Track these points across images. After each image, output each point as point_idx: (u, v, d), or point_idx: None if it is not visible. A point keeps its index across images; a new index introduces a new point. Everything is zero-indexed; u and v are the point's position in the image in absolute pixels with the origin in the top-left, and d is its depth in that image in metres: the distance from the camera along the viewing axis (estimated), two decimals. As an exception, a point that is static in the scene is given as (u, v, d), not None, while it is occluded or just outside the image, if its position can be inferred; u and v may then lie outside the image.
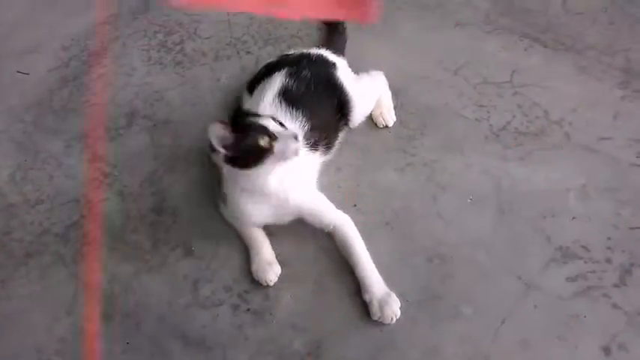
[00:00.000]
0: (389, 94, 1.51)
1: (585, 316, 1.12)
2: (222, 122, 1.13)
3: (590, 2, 1.73)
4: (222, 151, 1.13)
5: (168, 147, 1.47)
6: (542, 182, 1.32)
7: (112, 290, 1.21)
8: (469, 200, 1.29)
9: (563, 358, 1.08)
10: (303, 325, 1.15)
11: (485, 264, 1.20)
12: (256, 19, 1.75)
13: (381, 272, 1.19)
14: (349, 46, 1.54)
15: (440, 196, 1.30)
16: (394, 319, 1.13)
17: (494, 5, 1.73)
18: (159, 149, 1.46)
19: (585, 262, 1.19)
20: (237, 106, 1.44)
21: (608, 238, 1.22)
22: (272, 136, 1.13)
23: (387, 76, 1.50)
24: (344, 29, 1.56)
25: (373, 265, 1.19)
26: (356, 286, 1.18)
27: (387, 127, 1.45)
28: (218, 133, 1.13)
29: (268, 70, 1.41)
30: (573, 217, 1.26)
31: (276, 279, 1.21)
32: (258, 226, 1.28)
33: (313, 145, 1.31)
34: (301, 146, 1.20)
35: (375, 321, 1.13)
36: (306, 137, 1.29)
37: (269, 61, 1.47)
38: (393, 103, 1.48)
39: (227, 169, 1.19)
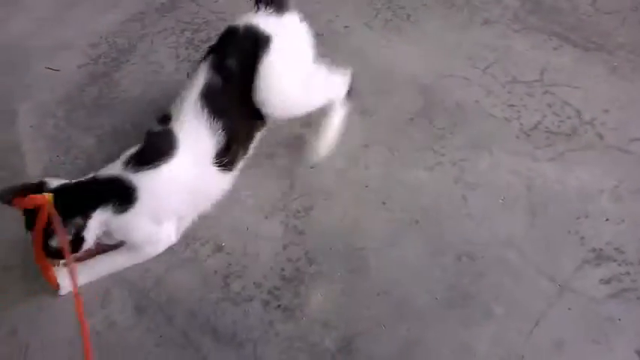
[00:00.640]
0: (340, 116, 1.31)
1: (620, 319, 1.10)
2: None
3: (620, 1, 1.71)
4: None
5: (196, 144, 1.49)
6: (574, 183, 1.30)
7: (145, 284, 1.22)
8: (500, 200, 1.28)
9: (598, 361, 1.07)
10: (333, 322, 1.15)
11: (517, 264, 1.19)
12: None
13: (408, 269, 1.20)
14: (374, 42, 1.53)
15: (470, 195, 1.30)
16: None
17: (522, 3, 1.71)
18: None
19: (619, 265, 1.17)
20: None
21: (643, 240, 1.20)
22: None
23: (416, 74, 1.50)
24: None
25: None
26: (385, 285, 1.19)
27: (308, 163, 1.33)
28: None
29: (207, 53, 1.26)
30: (606, 219, 1.24)
31: None
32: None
33: (226, 165, 1.21)
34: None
35: (406, 319, 1.14)
36: (219, 156, 1.19)
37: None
38: (420, 101, 1.48)
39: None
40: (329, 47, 1.64)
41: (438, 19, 1.69)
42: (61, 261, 1.18)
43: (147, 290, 1.22)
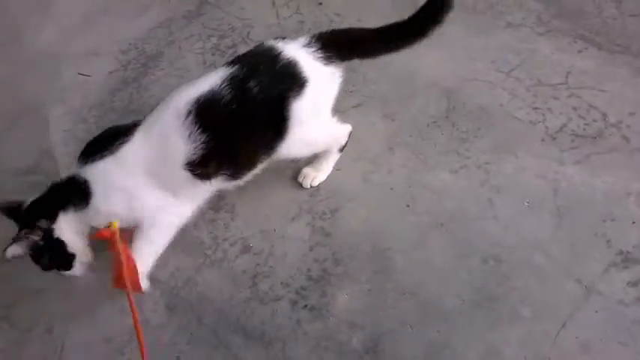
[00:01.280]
0: (337, 157, 1.34)
1: (648, 323, 1.11)
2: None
3: (646, 3, 1.71)
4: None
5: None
6: (600, 186, 1.30)
7: (176, 283, 1.26)
8: (526, 204, 1.28)
9: (626, 364, 1.07)
10: (360, 322, 1.17)
11: (544, 267, 1.19)
12: (306, 22, 1.79)
13: (434, 271, 1.21)
14: (400, 52, 1.55)
15: (495, 198, 1.30)
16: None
17: (546, 7, 1.71)
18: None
19: (647, 268, 1.18)
20: None
21: (671, 244, 1.20)
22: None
23: (439, 77, 1.51)
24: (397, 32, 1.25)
25: None
26: (411, 286, 1.21)
27: (303, 186, 1.34)
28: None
29: (231, 62, 1.17)
30: (633, 222, 1.24)
31: None
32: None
33: (201, 176, 1.15)
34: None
35: (432, 321, 1.15)
36: (192, 165, 1.12)
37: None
38: (444, 105, 1.49)
39: None
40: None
41: (461, 23, 1.69)
42: None
43: (178, 289, 1.25)
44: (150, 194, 1.18)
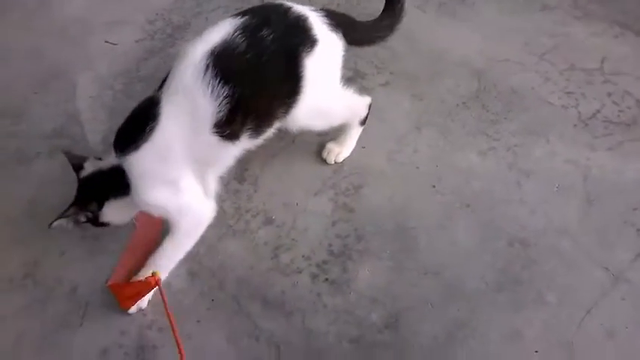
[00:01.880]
0: (359, 131, 1.32)
1: (676, 312, 1.09)
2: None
3: (686, -11, 1.65)
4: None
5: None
6: (632, 174, 1.27)
7: (198, 250, 1.26)
8: (555, 188, 1.26)
9: (652, 351, 1.05)
10: (380, 298, 1.16)
11: (571, 253, 1.17)
12: (335, 1, 1.76)
13: (458, 252, 1.20)
14: (427, 25, 1.52)
15: (524, 182, 1.28)
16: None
17: (584, -10, 1.67)
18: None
19: (678, 258, 1.15)
20: None
21: None
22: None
23: (470, 58, 1.48)
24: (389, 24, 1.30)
25: None
26: (434, 266, 1.20)
27: (327, 162, 1.32)
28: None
29: (239, 14, 1.11)
30: (665, 211, 1.22)
31: None
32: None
33: (229, 136, 1.10)
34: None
35: (454, 300, 1.14)
36: (219, 125, 1.07)
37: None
38: (474, 85, 1.46)
39: None
40: (381, 29, 1.66)
41: (494, 2, 1.66)
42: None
43: (200, 256, 1.25)
44: (188, 181, 1.14)
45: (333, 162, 1.36)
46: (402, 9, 1.32)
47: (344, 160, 1.37)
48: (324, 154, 1.37)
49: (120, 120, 1.54)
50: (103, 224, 1.20)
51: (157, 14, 1.83)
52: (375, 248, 1.24)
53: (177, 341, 1.03)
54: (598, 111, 1.38)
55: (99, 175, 1.16)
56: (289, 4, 1.15)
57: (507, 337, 1.09)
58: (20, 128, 1.57)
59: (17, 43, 1.78)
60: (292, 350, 1.11)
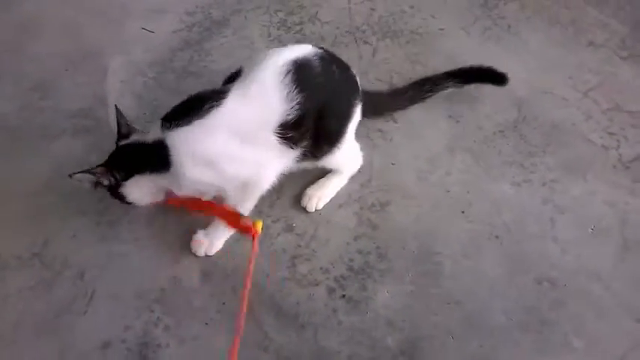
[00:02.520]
0: (344, 182, 1.32)
1: None
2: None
3: None
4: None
5: (278, 122, 1.49)
6: (673, 224, 1.22)
7: (214, 251, 1.23)
8: (590, 230, 1.21)
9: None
10: (398, 323, 1.11)
11: (602, 299, 1.12)
12: (377, 10, 1.73)
13: (484, 284, 1.15)
14: (470, 48, 1.50)
15: (558, 219, 1.23)
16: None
17: (632, 31, 1.62)
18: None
19: None
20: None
21: None
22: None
23: (511, 86, 1.43)
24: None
25: None
26: (457, 295, 1.14)
27: (307, 210, 1.28)
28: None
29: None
30: None
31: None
32: None
33: (289, 140, 1.13)
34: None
35: (476, 334, 1.09)
36: (284, 126, 1.11)
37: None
38: (514, 114, 1.42)
39: None
40: (422, 46, 1.62)
41: (541, 33, 1.62)
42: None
43: (215, 257, 1.21)
44: (238, 159, 1.13)
45: (314, 209, 1.28)
46: (429, 93, 1.40)
47: (373, 174, 1.34)
48: (304, 202, 1.29)
49: (148, 108, 1.55)
50: (121, 197, 1.17)
51: (197, 7, 1.81)
52: (397, 269, 1.19)
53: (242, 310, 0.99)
54: (640, 155, 1.34)
55: (137, 146, 1.16)
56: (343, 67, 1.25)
57: (529, 380, 1.04)
58: (47, 104, 1.55)
59: (54, 16, 1.76)
60: (302, 366, 1.07)
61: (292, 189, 1.33)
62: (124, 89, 1.58)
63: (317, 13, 1.78)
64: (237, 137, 1.11)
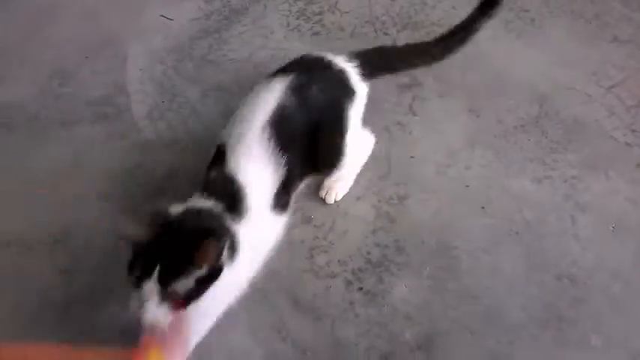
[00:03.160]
0: (361, 164, 1.26)
1: None
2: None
3: None
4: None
5: (296, 113, 1.48)
6: (696, 224, 1.21)
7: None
8: (611, 227, 1.20)
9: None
10: (416, 317, 1.11)
11: (622, 297, 1.11)
12: (398, 1, 1.71)
13: (503, 280, 1.15)
14: (491, 41, 1.47)
15: (578, 216, 1.22)
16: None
17: (659, 26, 1.60)
18: (287, 114, 1.48)
19: None
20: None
21: None
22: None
23: (533, 80, 1.43)
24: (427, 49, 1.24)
25: None
26: (475, 290, 1.14)
27: (326, 202, 1.24)
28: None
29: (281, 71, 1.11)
30: None
31: None
32: None
33: (282, 207, 1.06)
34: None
35: (493, 330, 1.09)
36: (278, 195, 1.03)
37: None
38: (535, 109, 1.40)
39: None
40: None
41: (564, 27, 1.59)
42: None
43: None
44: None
45: (333, 201, 1.26)
46: (462, 41, 1.26)
47: (392, 167, 1.33)
48: (323, 194, 1.26)
49: (167, 96, 1.55)
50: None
51: (213, -5, 1.81)
52: (415, 263, 1.19)
53: None
54: (664, 153, 1.32)
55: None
56: (329, 57, 1.15)
57: (547, 377, 1.04)
58: (67, 91, 1.56)
59: (73, 3, 1.76)
60: (319, 357, 1.07)
61: (311, 179, 1.33)
62: (144, 77, 1.58)
63: (337, 2, 1.76)
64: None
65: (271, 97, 1.04)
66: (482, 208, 1.25)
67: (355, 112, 1.15)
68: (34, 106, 1.53)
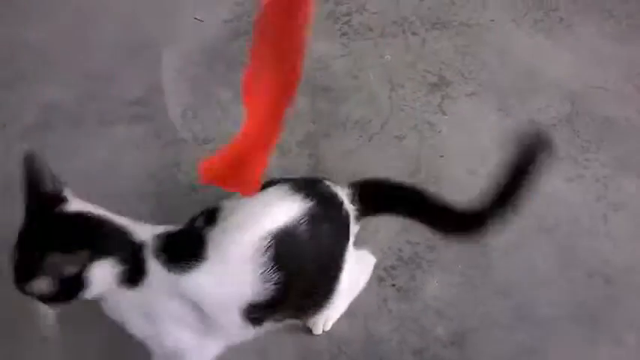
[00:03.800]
0: (355, 294, 1.10)
1: None
2: None
3: None
4: None
5: (326, 114, 1.50)
6: None
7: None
8: (645, 227, 1.21)
9: None
10: (448, 313, 1.14)
11: (655, 296, 1.12)
12: (426, 1, 1.72)
13: (534, 276, 1.16)
14: (521, 40, 1.47)
15: (611, 215, 1.23)
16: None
17: (692, 24, 1.59)
18: (317, 114, 1.49)
19: None
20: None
21: None
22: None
23: (564, 80, 1.43)
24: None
25: None
26: (506, 286, 1.16)
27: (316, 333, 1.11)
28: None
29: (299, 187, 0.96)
30: None
31: None
32: None
33: (253, 320, 0.93)
34: None
35: (524, 325, 1.10)
36: (252, 307, 0.90)
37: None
38: (567, 108, 1.41)
39: None
40: (471, 38, 1.61)
41: (594, 27, 1.59)
42: None
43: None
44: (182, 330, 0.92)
45: (321, 332, 1.11)
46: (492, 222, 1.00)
47: (421, 166, 1.35)
48: (310, 323, 1.11)
49: (201, 97, 1.60)
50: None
51: (243, -6, 1.85)
52: (446, 260, 1.21)
53: None
54: (698, 153, 1.31)
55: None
56: (339, 193, 1.01)
57: (580, 372, 1.05)
58: (104, 92, 1.60)
59: (110, 6, 1.82)
60: (353, 351, 1.10)
61: (342, 178, 1.30)
62: (178, 78, 1.62)
63: (365, 3, 1.78)
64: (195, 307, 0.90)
65: (283, 213, 0.92)
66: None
67: (351, 255, 1.01)
68: (73, 107, 1.58)
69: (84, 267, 0.82)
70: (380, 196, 1.05)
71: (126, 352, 1.06)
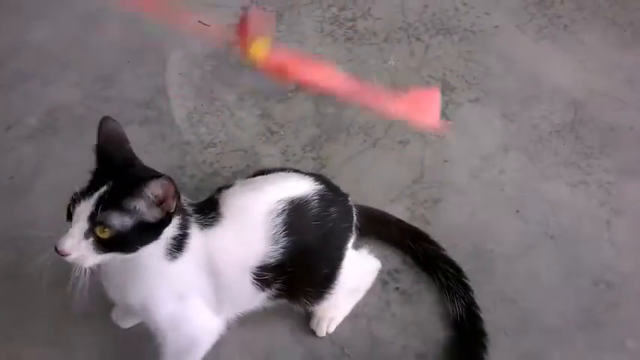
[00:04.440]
0: (358, 298, 1.15)
1: None
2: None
3: None
4: None
5: (331, 117, 1.51)
6: None
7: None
8: (648, 233, 1.21)
9: None
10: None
11: (659, 303, 1.12)
12: (430, 7, 1.74)
13: (538, 283, 1.16)
14: (525, 46, 1.48)
15: (614, 222, 1.23)
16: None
17: (695, 32, 1.60)
18: (322, 118, 1.50)
19: None
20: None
21: None
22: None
23: (567, 86, 1.44)
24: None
25: None
26: (510, 293, 1.16)
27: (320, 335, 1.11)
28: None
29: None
30: None
31: None
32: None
33: (262, 283, 0.97)
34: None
35: (529, 332, 1.11)
36: (263, 269, 0.95)
37: None
38: (570, 115, 1.42)
39: None
40: (475, 44, 1.63)
41: (598, 34, 1.60)
42: None
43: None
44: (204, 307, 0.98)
45: (324, 334, 1.12)
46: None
47: (425, 170, 1.35)
48: (313, 325, 1.12)
49: (205, 100, 1.61)
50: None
51: (252, 1, 1.85)
52: (450, 265, 1.22)
53: None
54: (701, 160, 1.32)
55: None
56: (343, 195, 1.09)
57: (583, 379, 1.05)
58: (110, 94, 1.61)
59: (116, 8, 1.83)
60: (356, 354, 1.10)
61: (346, 181, 1.29)
62: (183, 81, 1.63)
63: (369, 9, 1.79)
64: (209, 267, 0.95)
65: (300, 187, 0.99)
66: (517, 211, 1.27)
67: (350, 245, 1.07)
68: (79, 109, 1.59)
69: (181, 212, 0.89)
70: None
71: (126, 352, 1.10)
